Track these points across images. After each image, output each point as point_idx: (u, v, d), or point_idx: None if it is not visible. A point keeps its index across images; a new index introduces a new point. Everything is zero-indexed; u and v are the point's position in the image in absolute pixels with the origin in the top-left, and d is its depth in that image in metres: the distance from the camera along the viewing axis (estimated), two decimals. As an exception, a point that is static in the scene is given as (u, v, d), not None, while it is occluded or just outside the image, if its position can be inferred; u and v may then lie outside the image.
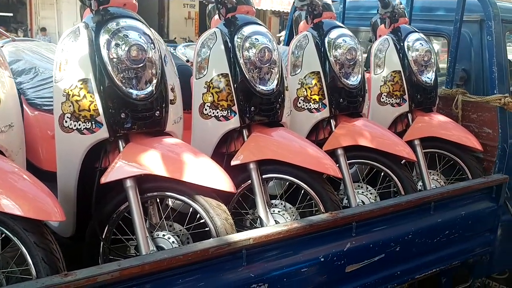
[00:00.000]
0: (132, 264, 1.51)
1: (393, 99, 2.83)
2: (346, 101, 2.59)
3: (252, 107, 2.24)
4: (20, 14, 14.39)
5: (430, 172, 2.86)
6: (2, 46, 2.69)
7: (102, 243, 1.92)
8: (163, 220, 1.97)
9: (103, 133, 1.86)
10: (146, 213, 1.96)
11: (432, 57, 2.88)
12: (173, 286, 1.65)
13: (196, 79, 2.24)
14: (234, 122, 2.22)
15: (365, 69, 2.78)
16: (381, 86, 2.84)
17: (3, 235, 1.58)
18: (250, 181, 2.21)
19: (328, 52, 2.55)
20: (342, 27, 2.67)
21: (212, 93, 2.21)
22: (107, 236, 1.94)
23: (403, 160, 2.65)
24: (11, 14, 13.44)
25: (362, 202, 2.59)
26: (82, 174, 1.94)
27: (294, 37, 2.73)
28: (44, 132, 2.36)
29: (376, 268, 2.21)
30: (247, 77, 2.20)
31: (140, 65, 1.86)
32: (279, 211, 2.28)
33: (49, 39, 12.03)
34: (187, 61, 3.17)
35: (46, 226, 1.65)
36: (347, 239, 2.08)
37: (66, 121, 1.85)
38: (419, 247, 2.37)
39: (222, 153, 2.31)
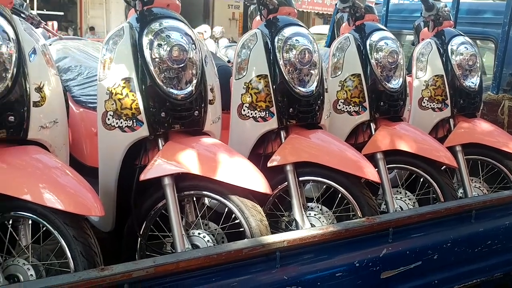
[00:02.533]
0: (167, 261, 1.54)
1: (434, 103, 2.76)
2: (386, 105, 2.55)
3: (291, 109, 2.23)
4: (70, 13, 14.87)
5: (472, 180, 2.78)
6: (50, 44, 2.78)
7: (139, 239, 1.97)
8: (199, 218, 2.00)
9: (143, 131, 1.90)
10: (183, 211, 1.99)
11: (477, 61, 2.80)
12: (207, 284, 1.67)
13: (236, 79, 2.26)
14: (272, 123, 2.23)
15: (407, 72, 2.73)
16: (422, 90, 2.78)
17: (44, 228, 1.64)
18: (286, 183, 2.21)
19: (369, 55, 2.52)
20: (384, 29, 2.63)
21: (251, 94, 2.22)
22: (144, 232, 1.98)
23: (444, 166, 2.59)
24: (62, 13, 13.90)
25: (400, 208, 2.54)
26: (122, 171, 1.99)
27: (336, 39, 2.71)
28: (88, 129, 2.43)
29: (413, 276, 2.16)
30: (287, 78, 2.20)
31: (181, 65, 1.89)
32: (315, 215, 2.26)
33: (98, 37, 12.37)
34: (229, 61, 3.20)
35: (86, 221, 1.70)
36: (383, 245, 2.04)
37: (108, 119, 1.91)
38: (459, 256, 2.30)
39: (259, 154, 2.32)
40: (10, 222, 1.67)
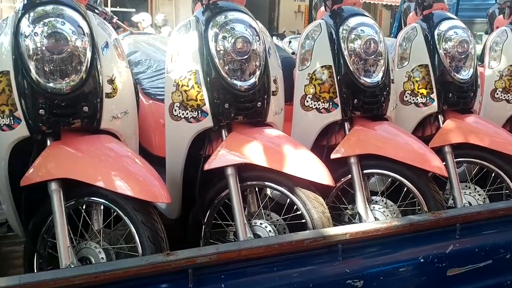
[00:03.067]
0: (229, 248, 1.57)
1: (509, 95, 2.62)
2: (455, 96, 2.45)
3: (355, 100, 2.20)
4: (142, 9, 15.39)
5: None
6: (122, 39, 2.90)
7: (203, 226, 2.02)
8: (261, 209, 2.02)
9: (208, 122, 1.95)
10: (246, 201, 2.02)
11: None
12: (268, 274, 1.69)
13: (299, 70, 2.26)
14: (336, 114, 2.20)
15: (479, 63, 2.61)
16: (496, 81, 2.65)
17: (114, 214, 1.72)
18: (350, 175, 2.18)
19: (437, 45, 2.43)
20: (453, 18, 2.52)
21: (314, 85, 2.21)
22: (208, 220, 2.03)
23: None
24: (133, 10, 14.42)
25: (469, 203, 2.44)
26: (188, 161, 2.05)
27: (402, 29, 2.63)
28: (156, 120, 2.52)
29: (482, 275, 2.07)
30: (351, 69, 2.17)
31: (244, 57, 1.92)
32: (379, 208, 2.22)
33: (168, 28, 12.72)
34: (293, 53, 3.19)
35: (154, 208, 1.76)
36: (450, 241, 1.97)
37: (175, 110, 1.97)
38: (534, 257, 2.18)
39: (322, 145, 2.30)
40: (84, 207, 1.77)
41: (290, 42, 3.58)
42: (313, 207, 1.89)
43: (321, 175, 1.90)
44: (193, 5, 2.14)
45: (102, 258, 1.71)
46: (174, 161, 2.07)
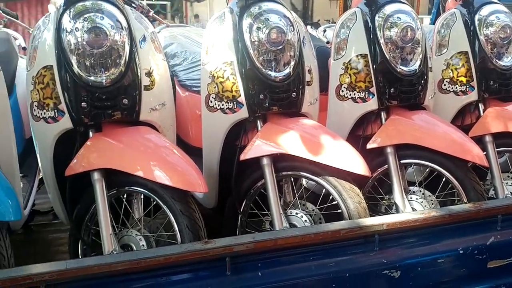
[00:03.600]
0: (265, 237, 1.59)
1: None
2: (497, 84, 2.39)
3: (392, 89, 2.17)
4: (177, 2, 15.53)
5: None
6: (158, 32, 2.95)
7: (239, 216, 2.05)
8: (296, 199, 2.03)
9: (243, 113, 1.97)
10: (281, 191, 2.04)
11: None
12: (304, 263, 1.70)
13: (334, 60, 2.24)
14: (372, 104, 2.19)
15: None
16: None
17: (154, 203, 1.77)
18: (386, 166, 2.16)
19: (478, 31, 2.36)
20: (495, 3, 2.44)
21: (349, 74, 2.19)
22: (244, 210, 2.05)
23: None
24: (169, 2, 14.57)
25: (511, 194, 2.38)
26: (224, 151, 2.08)
27: (441, 15, 2.57)
28: (193, 111, 2.55)
29: (524, 267, 2.03)
30: (387, 57, 2.15)
31: (279, 48, 1.92)
32: (417, 199, 2.20)
33: (202, 25, 12.82)
34: (327, 42, 3.17)
35: (191, 197, 1.80)
36: (490, 233, 1.93)
37: (211, 101, 1.99)
38: None
39: (358, 135, 2.29)
40: (125, 196, 1.83)
41: (325, 31, 3.54)
42: (349, 197, 1.89)
43: (357, 165, 1.89)
44: None
45: (143, 245, 1.76)
46: (211, 151, 2.10)
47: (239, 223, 2.06)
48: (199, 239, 1.69)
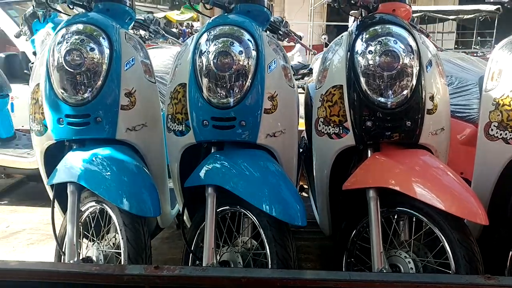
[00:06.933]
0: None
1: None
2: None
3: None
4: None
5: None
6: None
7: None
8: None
9: (349, 139, 1.88)
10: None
11: None
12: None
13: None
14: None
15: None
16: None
17: (427, 227, 1.74)
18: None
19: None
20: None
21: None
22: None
23: None
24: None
25: None
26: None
27: None
28: (453, 136, 2.46)
29: None
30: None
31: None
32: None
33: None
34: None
35: (466, 227, 1.72)
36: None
37: (491, 130, 1.90)
38: None
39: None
40: (395, 217, 1.85)
41: None
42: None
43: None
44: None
45: (411, 268, 1.75)
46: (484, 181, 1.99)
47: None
48: (477, 273, 1.61)
